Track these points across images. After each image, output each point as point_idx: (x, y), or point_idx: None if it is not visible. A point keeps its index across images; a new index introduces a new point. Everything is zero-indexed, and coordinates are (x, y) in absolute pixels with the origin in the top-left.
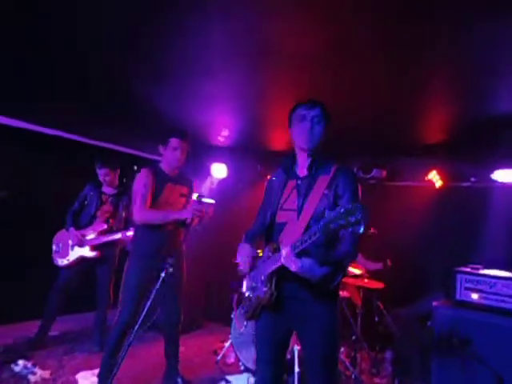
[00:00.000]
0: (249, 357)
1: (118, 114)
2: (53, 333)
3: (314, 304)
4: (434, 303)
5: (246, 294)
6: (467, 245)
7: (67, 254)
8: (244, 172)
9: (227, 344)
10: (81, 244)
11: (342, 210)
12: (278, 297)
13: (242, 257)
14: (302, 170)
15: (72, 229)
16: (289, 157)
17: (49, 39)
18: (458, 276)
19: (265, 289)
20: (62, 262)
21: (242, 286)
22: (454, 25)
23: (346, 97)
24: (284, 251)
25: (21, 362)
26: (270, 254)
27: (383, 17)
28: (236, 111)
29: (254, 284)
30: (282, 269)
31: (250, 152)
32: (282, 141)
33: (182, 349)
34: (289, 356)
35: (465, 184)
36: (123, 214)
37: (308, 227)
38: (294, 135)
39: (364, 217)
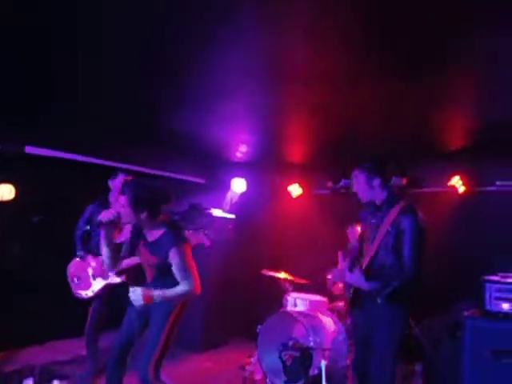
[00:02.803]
0: (272, 365)
1: (144, 137)
2: (83, 353)
3: (380, 304)
4: (465, 313)
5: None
6: (496, 251)
7: (89, 285)
8: (263, 185)
9: (254, 359)
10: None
11: None
12: (357, 296)
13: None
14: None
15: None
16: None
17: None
18: (487, 285)
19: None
20: (87, 294)
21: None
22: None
23: (359, 111)
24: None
25: (56, 383)
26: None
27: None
28: (252, 128)
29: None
30: None
31: (267, 165)
32: (298, 153)
33: (209, 364)
34: (316, 371)
35: (490, 188)
36: None
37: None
38: None
39: None
